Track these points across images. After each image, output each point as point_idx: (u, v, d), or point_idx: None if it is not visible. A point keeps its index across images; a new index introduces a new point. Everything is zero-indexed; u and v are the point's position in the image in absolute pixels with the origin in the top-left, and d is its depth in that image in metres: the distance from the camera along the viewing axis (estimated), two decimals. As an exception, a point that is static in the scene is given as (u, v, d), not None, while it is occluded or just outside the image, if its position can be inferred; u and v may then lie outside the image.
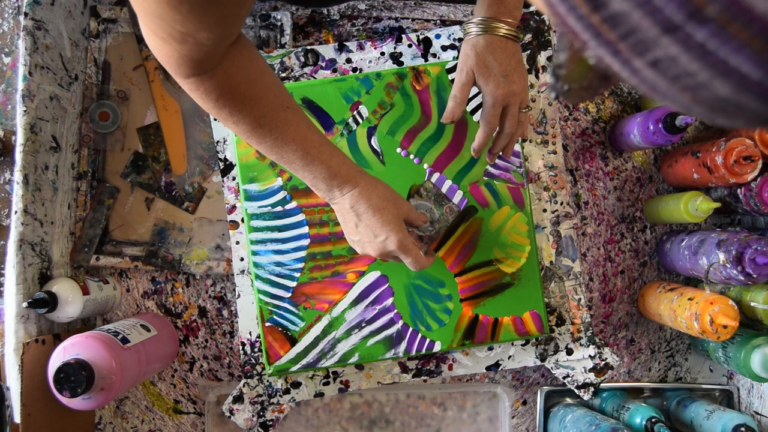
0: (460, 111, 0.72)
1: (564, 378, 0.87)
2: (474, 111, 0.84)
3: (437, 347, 0.83)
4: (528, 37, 0.87)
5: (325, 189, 0.66)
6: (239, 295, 0.86)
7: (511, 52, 0.69)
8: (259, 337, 0.85)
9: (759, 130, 0.80)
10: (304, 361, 0.83)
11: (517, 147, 0.84)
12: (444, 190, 0.83)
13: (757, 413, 0.89)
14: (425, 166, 0.83)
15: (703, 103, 0.23)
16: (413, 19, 0.93)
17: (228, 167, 0.86)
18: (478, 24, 0.69)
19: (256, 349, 0.85)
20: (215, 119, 0.86)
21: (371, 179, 0.67)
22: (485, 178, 0.84)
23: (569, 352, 0.87)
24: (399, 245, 0.66)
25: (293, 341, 0.83)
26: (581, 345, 0.87)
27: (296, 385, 0.86)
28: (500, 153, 0.78)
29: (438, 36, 0.87)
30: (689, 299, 0.82)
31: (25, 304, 0.78)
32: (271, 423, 0.86)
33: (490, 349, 0.87)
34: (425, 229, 0.75)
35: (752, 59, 0.21)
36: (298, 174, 0.65)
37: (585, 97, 0.32)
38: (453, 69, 0.83)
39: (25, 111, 0.81)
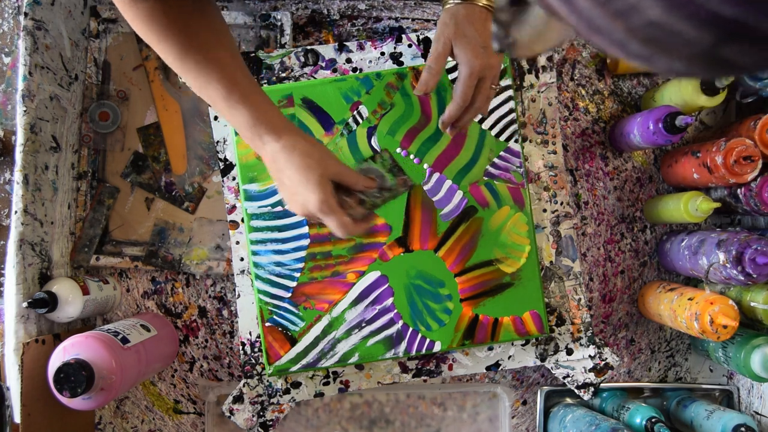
0: (434, 82, 0.70)
1: (564, 378, 0.87)
2: (474, 111, 0.84)
3: (437, 347, 0.83)
4: (528, 37, 0.87)
5: (249, 137, 0.64)
6: (239, 295, 0.86)
7: (490, 23, 0.68)
8: (259, 337, 0.85)
9: (698, 77, 0.79)
10: (304, 361, 0.83)
11: (517, 147, 0.84)
12: (444, 190, 0.83)
13: (757, 413, 0.89)
14: (425, 166, 0.83)
15: (637, 33, 0.22)
16: (413, 19, 0.93)
17: (228, 167, 0.86)
18: None
19: (256, 349, 0.85)
20: (215, 121, 0.86)
21: (297, 135, 0.64)
22: (485, 178, 0.84)
23: (569, 352, 0.87)
24: (318, 207, 0.63)
25: (293, 341, 0.83)
26: (581, 345, 0.87)
27: (296, 385, 0.86)
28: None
29: (438, 36, 0.87)
30: (689, 299, 0.82)
31: (25, 304, 0.78)
32: (271, 423, 0.86)
33: (490, 349, 0.87)
34: (371, 194, 0.69)
35: None
36: (222, 115, 0.64)
37: (533, 48, 0.31)
38: (453, 69, 0.83)
39: (25, 111, 0.81)
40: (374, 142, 0.83)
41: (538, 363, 0.87)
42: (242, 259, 0.86)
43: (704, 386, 0.95)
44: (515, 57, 0.68)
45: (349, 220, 0.65)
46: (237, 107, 0.62)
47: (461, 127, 0.75)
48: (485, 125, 0.84)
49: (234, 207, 0.86)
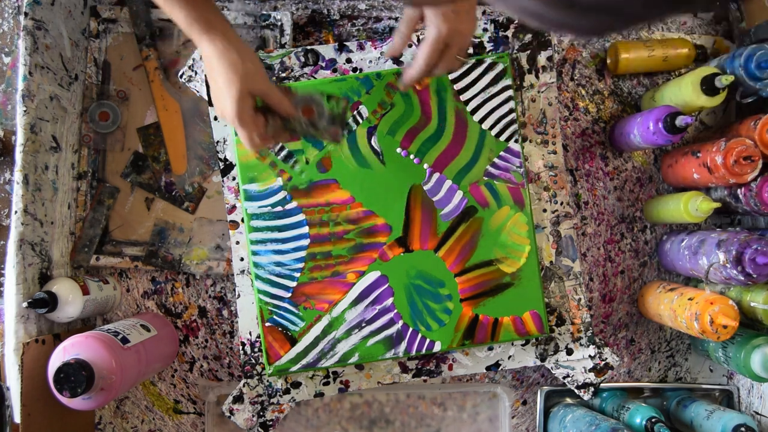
0: (401, 46, 0.71)
1: (564, 378, 0.87)
2: (474, 111, 0.84)
3: (437, 347, 0.83)
4: (528, 37, 0.87)
5: (188, 34, 0.67)
6: (239, 295, 0.86)
7: None
8: (259, 337, 0.85)
9: (546, 22, 0.78)
10: (304, 361, 0.83)
11: (517, 147, 0.84)
12: (444, 190, 0.83)
13: (757, 413, 0.89)
14: (425, 166, 0.83)
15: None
16: (413, 19, 0.93)
17: (228, 167, 0.86)
18: None
19: (256, 349, 0.85)
20: (215, 121, 0.86)
21: (230, 42, 0.66)
22: (485, 178, 0.84)
23: (569, 352, 0.87)
24: (231, 118, 0.66)
25: (293, 341, 0.83)
26: (581, 345, 0.87)
27: (296, 385, 0.86)
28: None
29: (438, 36, 0.87)
30: (689, 299, 0.82)
31: (25, 304, 0.78)
32: (271, 423, 0.86)
33: (490, 349, 0.87)
34: (298, 120, 0.70)
35: None
36: (163, 9, 0.66)
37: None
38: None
39: (25, 111, 0.81)
40: (374, 142, 0.83)
41: (538, 363, 0.87)
42: (242, 259, 0.86)
43: (704, 386, 0.95)
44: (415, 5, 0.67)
45: (257, 138, 0.68)
46: (176, 5, 0.64)
47: (406, 84, 0.75)
48: (485, 125, 0.84)
49: (234, 207, 0.86)
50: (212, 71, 0.67)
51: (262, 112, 0.69)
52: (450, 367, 0.87)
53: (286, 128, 0.71)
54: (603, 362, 0.87)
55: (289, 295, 0.83)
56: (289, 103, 0.70)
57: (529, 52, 0.87)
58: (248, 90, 0.66)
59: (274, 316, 0.83)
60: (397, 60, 0.87)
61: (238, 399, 0.85)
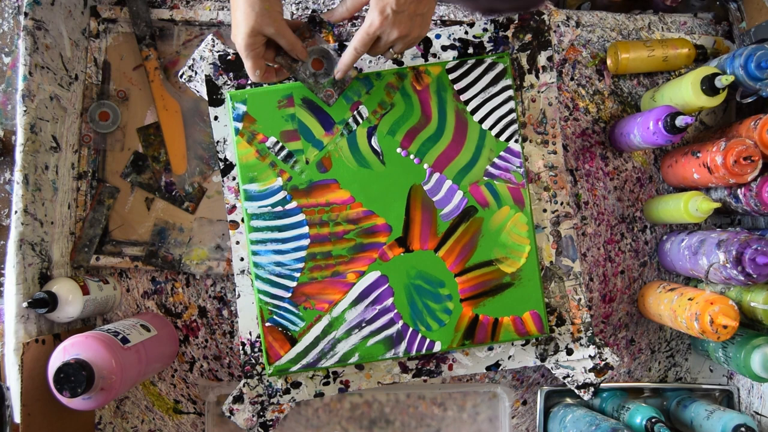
0: (340, 17, 0.73)
1: (564, 378, 0.88)
2: (474, 111, 0.84)
3: (437, 347, 0.83)
4: (528, 37, 0.87)
5: None
6: (239, 295, 0.86)
7: None
8: (259, 337, 0.85)
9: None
10: (304, 361, 0.83)
11: (517, 147, 0.84)
12: (444, 190, 0.83)
13: (757, 413, 0.89)
14: (425, 166, 0.83)
15: None
16: (413, 19, 0.93)
17: (228, 167, 0.86)
18: None
19: (256, 349, 0.85)
20: (215, 121, 0.86)
21: None
22: (485, 178, 0.84)
23: (569, 352, 0.87)
24: (240, 49, 0.68)
25: (293, 341, 0.83)
26: (581, 345, 0.87)
27: (296, 385, 0.86)
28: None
29: (438, 36, 0.87)
30: (689, 299, 0.82)
31: (25, 304, 0.78)
32: (271, 423, 0.86)
33: (490, 349, 0.87)
34: (304, 68, 0.74)
35: None
36: None
37: None
38: (453, 69, 0.83)
39: (25, 111, 0.81)
40: (374, 142, 0.83)
41: (538, 363, 0.87)
42: (242, 259, 0.86)
43: (704, 386, 0.95)
44: None
45: (259, 70, 0.71)
46: None
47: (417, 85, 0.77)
48: (485, 125, 0.84)
49: (234, 207, 0.86)
50: (234, 2, 0.68)
51: (274, 46, 0.72)
52: (450, 367, 0.87)
53: (290, 68, 0.74)
54: (603, 362, 0.87)
55: (289, 295, 0.83)
56: (302, 47, 0.73)
57: (529, 52, 0.87)
58: (259, 28, 0.67)
59: (274, 316, 0.83)
60: (397, 60, 0.87)
61: (238, 399, 0.85)
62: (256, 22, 0.67)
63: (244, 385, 0.85)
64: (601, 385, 0.91)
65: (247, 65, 0.70)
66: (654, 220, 0.95)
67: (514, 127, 0.84)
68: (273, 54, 0.72)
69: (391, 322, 0.83)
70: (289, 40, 0.71)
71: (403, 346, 0.83)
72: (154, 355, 0.83)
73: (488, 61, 0.84)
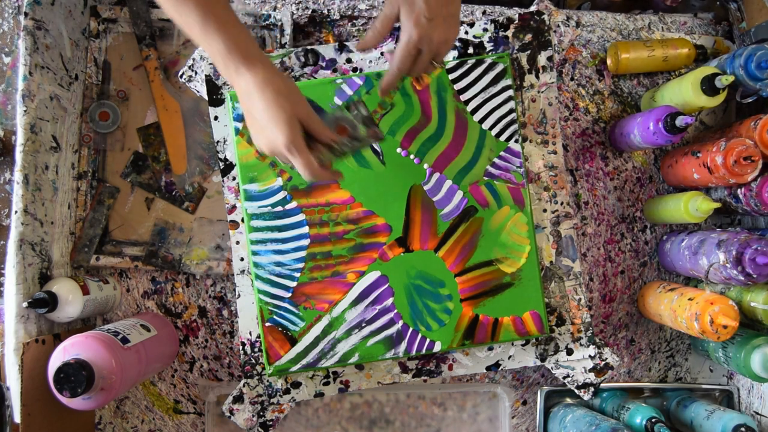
0: (374, 42, 0.70)
1: (564, 378, 0.88)
2: (474, 111, 0.84)
3: (437, 347, 0.83)
4: (528, 37, 0.87)
5: (222, 66, 0.62)
6: (239, 295, 0.86)
7: (447, 0, 0.66)
8: (259, 337, 0.85)
9: None
10: (304, 361, 0.83)
11: (517, 147, 0.84)
12: (444, 190, 0.83)
13: (757, 413, 0.89)
14: (425, 166, 0.83)
15: None
16: (413, 19, 0.93)
17: (228, 167, 0.86)
18: None
19: (256, 349, 0.85)
20: (215, 121, 0.86)
21: (272, 69, 0.63)
22: (485, 178, 0.84)
23: (569, 352, 0.87)
24: (286, 147, 0.63)
25: (293, 341, 0.83)
26: (581, 345, 0.87)
27: (296, 385, 0.86)
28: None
29: (438, 36, 0.87)
30: (689, 299, 0.82)
31: (25, 304, 0.78)
32: (271, 423, 0.86)
33: (490, 349, 0.87)
34: (341, 142, 0.69)
35: None
36: (198, 43, 0.62)
37: None
38: (453, 69, 0.83)
39: (25, 111, 0.81)
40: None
41: (538, 363, 0.87)
42: (242, 259, 0.86)
43: (704, 386, 0.95)
44: None
45: (315, 162, 0.65)
46: (212, 35, 0.60)
47: (417, 85, 0.75)
48: (485, 125, 0.84)
49: (234, 207, 0.86)
50: (254, 101, 0.63)
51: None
52: (450, 367, 0.87)
53: (333, 154, 0.69)
54: (603, 362, 0.87)
55: (289, 295, 0.83)
56: (327, 129, 0.67)
57: (529, 52, 0.87)
58: (297, 115, 0.63)
59: (274, 316, 0.83)
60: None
61: (238, 399, 0.85)
62: (292, 107, 0.63)
63: (244, 385, 0.85)
64: (601, 385, 0.91)
65: (302, 161, 0.64)
66: (654, 220, 0.95)
67: (514, 127, 0.84)
68: (305, 144, 0.66)
69: (391, 322, 0.83)
70: (320, 122, 0.66)
71: (403, 346, 0.83)
72: (154, 355, 0.83)
73: (488, 61, 0.84)
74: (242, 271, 0.86)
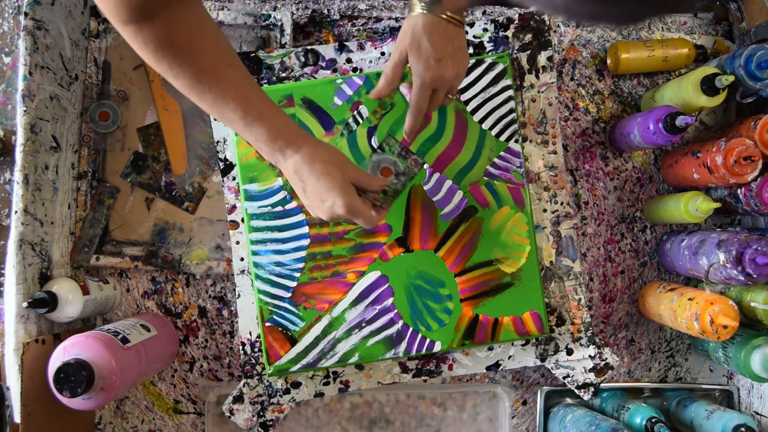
0: (387, 90, 0.73)
1: (564, 378, 0.87)
2: (474, 111, 0.84)
3: (437, 347, 0.83)
4: (528, 37, 0.87)
5: (268, 152, 0.65)
6: (239, 295, 0.86)
7: (450, 36, 0.68)
8: (259, 337, 0.85)
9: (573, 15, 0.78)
10: (304, 361, 0.83)
11: (517, 147, 0.84)
12: (444, 190, 0.83)
13: (757, 413, 0.89)
14: (425, 166, 0.83)
15: None
16: (413, 19, 0.93)
17: (228, 167, 0.86)
18: (422, 1, 0.67)
19: (256, 349, 0.85)
20: (215, 121, 0.86)
21: (315, 143, 0.66)
22: (485, 178, 0.84)
23: (569, 352, 0.87)
24: (347, 209, 0.66)
25: (293, 341, 0.83)
26: (581, 345, 0.87)
27: (296, 385, 0.86)
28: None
29: (438, 36, 0.87)
30: (689, 299, 0.82)
31: (25, 304, 0.78)
32: (271, 423, 0.86)
33: (490, 349, 0.87)
34: (391, 182, 0.75)
35: None
36: (240, 134, 0.65)
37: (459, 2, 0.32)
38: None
39: (25, 111, 0.81)
40: (374, 142, 0.83)
41: (538, 363, 0.87)
42: (242, 259, 0.86)
43: (704, 386, 0.95)
44: (439, 12, 0.68)
45: (374, 214, 0.68)
46: (255, 125, 0.63)
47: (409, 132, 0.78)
48: (485, 125, 0.84)
49: (234, 207, 0.86)
50: (306, 177, 0.66)
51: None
52: (450, 367, 0.87)
53: (387, 196, 0.74)
54: (603, 362, 0.87)
55: (289, 295, 0.83)
56: (377, 178, 0.71)
57: (529, 52, 0.87)
58: (348, 178, 0.67)
59: (274, 316, 0.83)
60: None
61: (238, 399, 0.85)
62: (344, 173, 0.66)
63: (244, 385, 0.85)
64: (601, 385, 0.91)
65: (362, 220, 0.68)
66: (654, 220, 0.95)
67: (514, 127, 0.84)
68: (362, 202, 0.70)
69: (391, 322, 0.83)
70: (368, 176, 0.70)
71: (403, 346, 0.83)
72: (154, 355, 0.83)
73: (488, 61, 0.84)
74: (242, 271, 0.86)
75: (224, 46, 0.61)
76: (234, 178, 0.86)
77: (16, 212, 0.80)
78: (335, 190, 0.65)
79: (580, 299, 0.87)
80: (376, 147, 0.79)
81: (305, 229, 0.83)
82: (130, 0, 0.51)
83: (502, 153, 0.84)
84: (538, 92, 0.87)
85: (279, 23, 0.90)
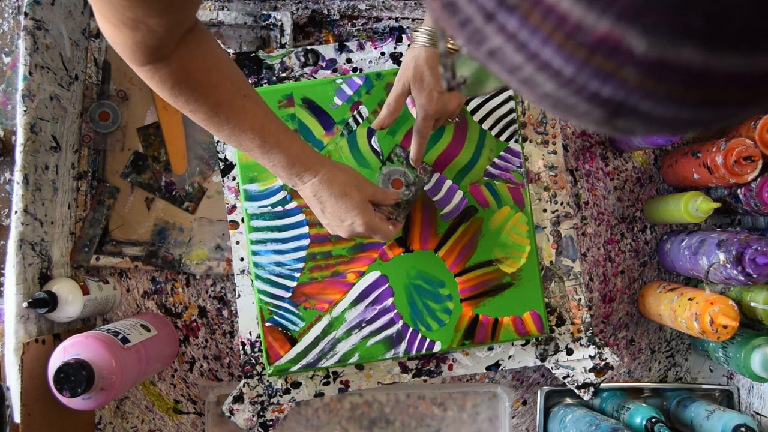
0: (390, 120, 0.74)
1: (564, 378, 0.87)
2: (474, 111, 0.84)
3: (437, 347, 0.83)
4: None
5: (286, 177, 0.67)
6: (239, 295, 0.86)
7: None
8: (259, 337, 0.85)
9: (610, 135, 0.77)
10: (304, 361, 0.83)
11: (517, 147, 0.84)
12: (444, 190, 0.83)
13: (757, 413, 0.89)
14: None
15: (545, 100, 0.22)
16: (413, 19, 0.93)
17: (228, 167, 0.86)
18: (424, 34, 0.68)
19: (256, 349, 0.85)
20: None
21: (331, 166, 0.68)
22: (485, 178, 0.84)
23: (569, 352, 0.87)
24: (366, 227, 0.69)
25: (293, 341, 0.83)
26: (581, 345, 0.87)
27: (296, 385, 0.86)
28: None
29: (438, 36, 0.87)
30: (689, 299, 0.82)
31: (25, 304, 0.78)
32: (271, 423, 0.86)
33: (490, 349, 0.87)
34: (402, 193, 0.77)
35: (560, 53, 0.19)
36: (259, 161, 0.66)
37: (481, 89, 0.31)
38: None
39: (25, 111, 0.81)
40: (374, 142, 0.83)
41: (538, 363, 0.87)
42: (242, 259, 0.86)
43: (704, 386, 0.95)
44: (466, 96, 0.69)
45: (391, 228, 0.72)
46: (272, 152, 0.64)
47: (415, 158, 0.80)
48: (485, 125, 0.84)
49: (234, 207, 0.86)
50: (325, 200, 0.68)
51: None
52: (450, 367, 0.87)
53: (400, 207, 0.76)
54: (603, 362, 0.87)
55: (289, 295, 0.83)
56: (390, 192, 0.74)
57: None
58: (365, 197, 0.69)
59: (274, 316, 0.83)
60: (397, 60, 0.87)
61: (238, 399, 0.85)
62: (361, 192, 0.69)
63: (244, 385, 0.85)
64: (601, 385, 0.91)
65: (380, 236, 0.71)
66: (654, 220, 0.95)
67: (514, 127, 0.84)
68: (379, 218, 0.73)
69: (391, 322, 0.83)
70: (383, 191, 0.73)
71: (403, 346, 0.83)
72: (154, 355, 0.83)
73: (488, 61, 0.84)
74: (242, 271, 0.86)
75: (238, 78, 0.61)
76: (234, 178, 0.86)
77: (16, 212, 0.80)
78: (354, 210, 0.68)
79: (580, 299, 0.87)
80: (384, 159, 0.81)
81: (305, 229, 0.83)
82: (146, 43, 0.51)
83: (502, 153, 0.84)
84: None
85: (279, 23, 0.90)
